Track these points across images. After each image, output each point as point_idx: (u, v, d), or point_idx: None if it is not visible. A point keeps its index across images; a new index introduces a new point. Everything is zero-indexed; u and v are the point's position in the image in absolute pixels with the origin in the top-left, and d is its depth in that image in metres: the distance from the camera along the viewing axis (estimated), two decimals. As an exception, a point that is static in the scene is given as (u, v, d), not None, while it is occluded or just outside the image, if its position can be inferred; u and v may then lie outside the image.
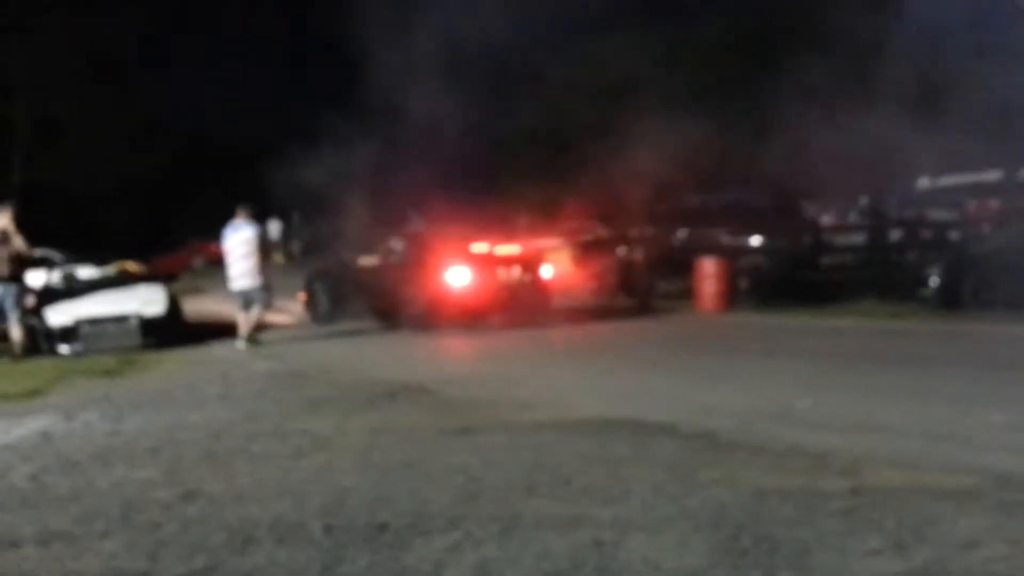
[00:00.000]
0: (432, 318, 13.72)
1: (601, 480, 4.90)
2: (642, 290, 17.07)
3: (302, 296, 16.67)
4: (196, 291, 23.40)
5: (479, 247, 14.74)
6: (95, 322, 13.14)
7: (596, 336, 12.95)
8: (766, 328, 13.11)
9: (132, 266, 23.20)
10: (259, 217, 13.90)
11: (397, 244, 15.46)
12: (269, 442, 6.22)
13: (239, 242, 13.08)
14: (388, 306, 14.63)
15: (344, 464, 5.49)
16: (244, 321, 13.00)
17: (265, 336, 13.56)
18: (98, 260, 19.77)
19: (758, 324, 13.65)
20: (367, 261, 15.86)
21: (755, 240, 17.17)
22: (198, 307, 18.16)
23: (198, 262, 34.81)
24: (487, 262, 14.41)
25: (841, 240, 17.63)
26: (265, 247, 13.84)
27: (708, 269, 15.54)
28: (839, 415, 6.47)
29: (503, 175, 31.52)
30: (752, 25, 25.95)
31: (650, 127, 19.90)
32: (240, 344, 12.79)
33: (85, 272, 17.26)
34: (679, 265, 16.46)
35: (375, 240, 16.30)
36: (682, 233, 18.77)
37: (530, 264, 14.74)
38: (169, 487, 5.15)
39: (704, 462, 5.19)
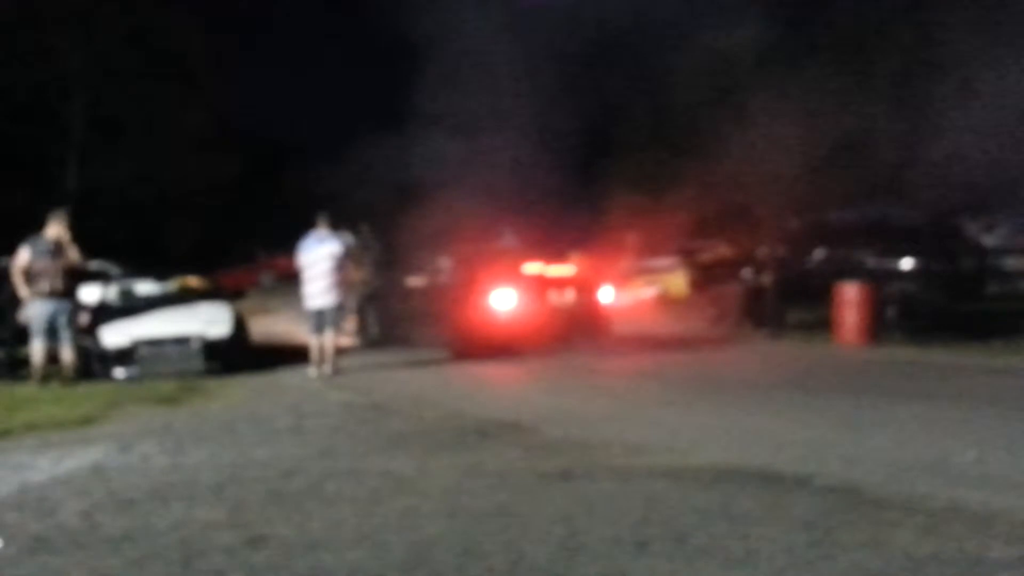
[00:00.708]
0: (470, 345, 14.01)
1: (723, 539, 4.84)
2: (771, 319, 16.87)
3: (351, 320, 16.94)
4: (264, 311, 23.87)
5: (531, 267, 14.93)
6: (154, 343, 13.50)
7: (716, 370, 12.81)
8: (918, 366, 12.80)
9: (195, 282, 23.72)
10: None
11: (444, 263, 15.72)
12: (345, 483, 6.30)
13: (321, 256, 13.28)
14: (433, 332, 14.92)
15: (429, 509, 5.53)
16: (317, 346, 13.19)
17: (343, 363, 13.76)
18: (158, 275, 20.26)
19: (909, 361, 13.33)
20: (415, 282, 16.16)
21: (906, 263, 16.85)
22: (266, 328, 18.55)
23: (267, 278, 35.56)
24: (536, 284, 14.62)
25: (1011, 264, 17.19)
26: (352, 262, 14.10)
27: (849, 295, 15.28)
28: (1007, 470, 6.28)
29: (611, 185, 31.54)
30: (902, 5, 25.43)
31: (782, 131, 19.69)
32: (312, 372, 12.99)
33: (144, 288, 17.69)
34: (815, 291, 16.25)
35: (425, 258, 16.59)
36: (819, 253, 18.53)
37: (586, 286, 14.90)
38: (233, 530, 5.25)
39: (846, 522, 5.08)
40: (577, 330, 14.50)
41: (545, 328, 14.28)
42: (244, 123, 38.46)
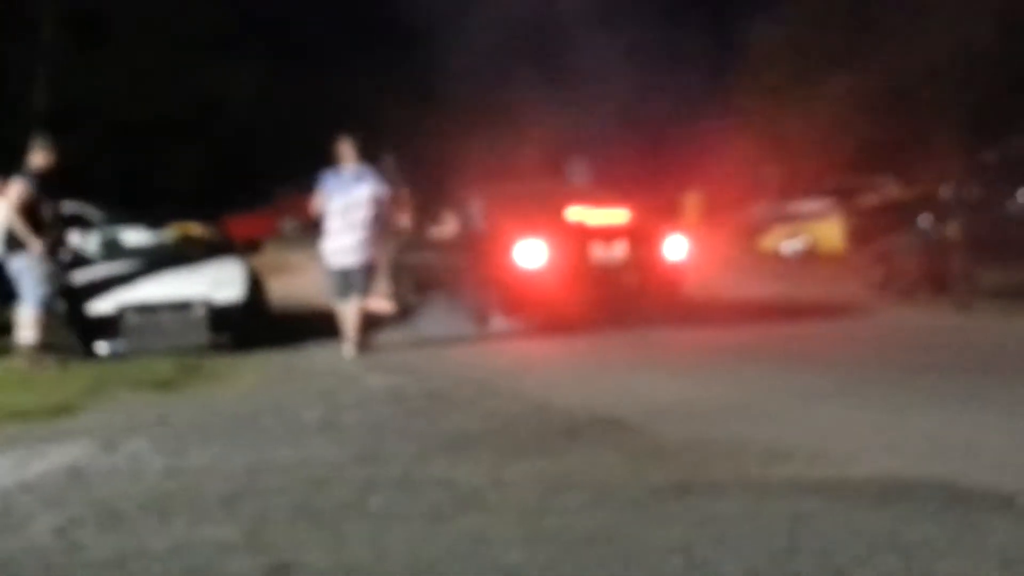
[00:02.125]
0: (491, 310, 14.32)
1: (896, 576, 4.80)
2: (959, 282, 16.62)
3: (385, 282, 17.01)
4: (287, 267, 24.06)
5: (574, 213, 14.84)
6: (146, 310, 13.66)
7: (881, 351, 12.67)
8: None
9: (198, 230, 23.97)
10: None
11: (475, 208, 15.73)
12: (394, 496, 6.34)
13: (359, 200, 13.22)
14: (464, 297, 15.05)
15: (504, 533, 5.54)
16: (352, 316, 13.21)
17: (380, 337, 13.81)
18: (151, 221, 20.49)
19: None
20: (442, 233, 16.21)
21: None
22: (290, 291, 18.68)
23: (290, 224, 35.65)
24: (575, 235, 14.58)
25: None
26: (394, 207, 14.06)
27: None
28: None
29: (742, 106, 31.34)
30: None
31: (963, 28, 19.36)
32: (349, 350, 13.06)
33: (133, 237, 17.90)
34: (1019, 245, 15.97)
35: (455, 204, 16.62)
36: (1024, 196, 18.18)
37: (644, 239, 14.77)
38: (251, 554, 5.31)
39: (1059, 556, 5.01)
40: (627, 295, 14.39)
41: (583, 291, 14.19)
42: (265, 19, 38.31)
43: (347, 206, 13.22)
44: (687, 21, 25.28)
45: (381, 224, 13.38)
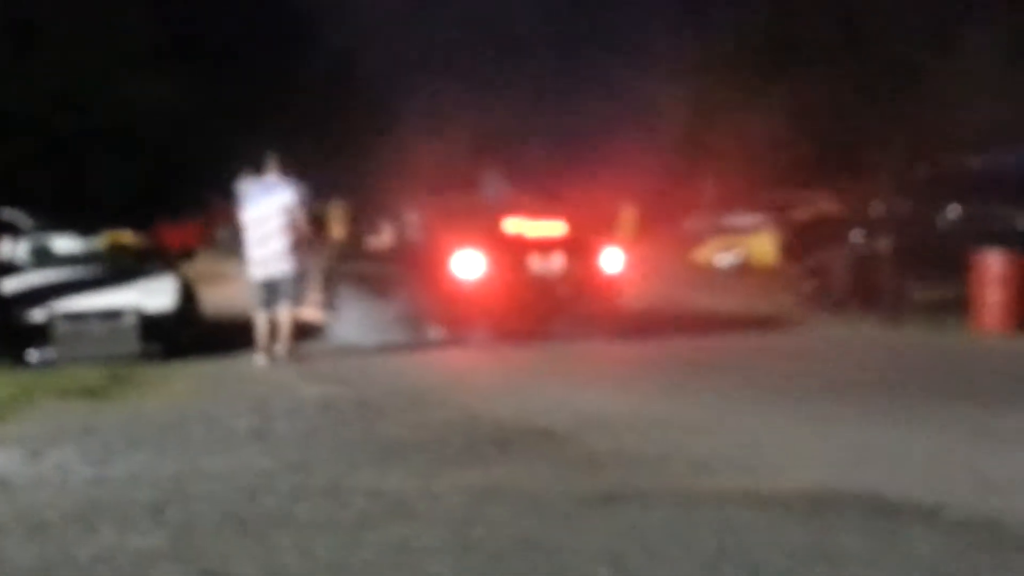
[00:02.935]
0: (427, 320, 14.41)
1: (820, 586, 4.84)
2: (888, 297, 16.79)
3: (315, 291, 16.98)
4: (220, 276, 23.93)
5: (512, 225, 14.94)
6: (76, 318, 13.56)
7: (812, 364, 12.76)
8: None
9: (129, 238, 23.82)
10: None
11: (413, 219, 15.81)
12: (324, 505, 6.33)
13: (272, 210, 13.27)
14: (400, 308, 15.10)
15: (432, 542, 5.54)
16: (266, 325, 13.22)
17: (308, 347, 13.78)
18: (82, 229, 20.36)
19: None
20: (379, 243, 16.25)
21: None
22: (223, 299, 18.58)
23: (223, 232, 35.43)
24: (512, 246, 14.63)
25: None
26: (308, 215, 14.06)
27: (993, 268, 15.18)
28: None
29: (677, 121, 31.51)
30: None
31: (908, 42, 19.57)
32: (260, 359, 13.06)
33: (63, 245, 17.78)
34: (947, 261, 16.14)
35: (392, 214, 16.69)
36: (953, 211, 18.36)
37: (581, 251, 14.88)
38: (178, 563, 5.28)
39: (983, 567, 5.08)
40: (565, 306, 14.46)
41: (519, 303, 14.26)
42: (196, 33, 38.24)
43: (261, 217, 13.30)
44: (623, 37, 25.43)
45: (297, 234, 13.35)
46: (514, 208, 15.78)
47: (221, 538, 5.72)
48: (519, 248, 14.79)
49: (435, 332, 14.49)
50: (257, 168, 13.44)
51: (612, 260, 15.09)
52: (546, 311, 14.49)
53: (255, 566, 5.23)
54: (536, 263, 14.65)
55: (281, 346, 13.16)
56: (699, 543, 5.45)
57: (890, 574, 5.00)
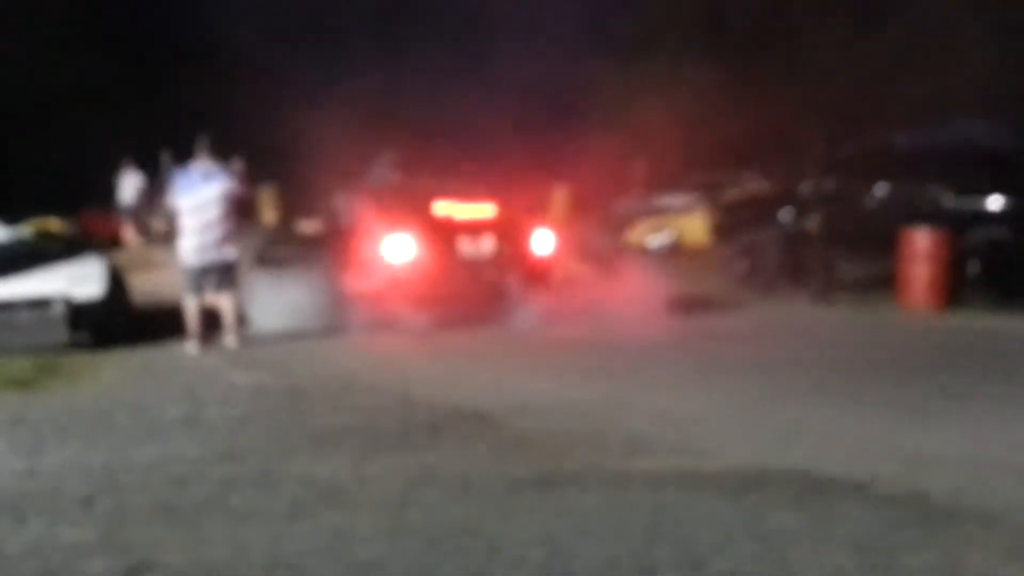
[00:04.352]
0: (359, 308, 14.23)
1: (753, 563, 4.88)
2: (817, 276, 16.92)
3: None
4: (150, 264, 23.71)
5: (440, 208, 14.96)
6: (2, 308, 13.39)
7: (742, 344, 12.86)
8: (1009, 339, 12.89)
9: (56, 225, 23.60)
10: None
11: (342, 202, 15.80)
12: (255, 493, 6.31)
13: (210, 198, 13.19)
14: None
15: (366, 528, 5.55)
16: (196, 312, 13.17)
17: (247, 333, 13.75)
18: (8, 216, 20.16)
19: (996, 331, 13.43)
20: (309, 227, 16.20)
21: (994, 202, 16.88)
22: (153, 287, 18.42)
23: (154, 221, 35.13)
24: (442, 229, 14.65)
25: None
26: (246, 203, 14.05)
27: (920, 246, 15.34)
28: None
29: (607, 100, 31.55)
30: None
31: (835, 23, 19.70)
32: (191, 347, 13.02)
33: (-13, 233, 17.58)
34: (875, 239, 16.27)
35: (323, 198, 16.67)
36: (881, 190, 18.51)
37: (512, 233, 14.90)
38: (109, 555, 5.25)
39: (911, 540, 5.15)
40: (494, 290, 14.48)
41: (449, 287, 14.26)
42: (120, 17, 37.85)
43: (197, 205, 13.23)
44: (549, 11, 25.29)
45: (234, 221, 13.32)
46: (447, 191, 15.69)
47: (152, 529, 5.68)
48: (449, 231, 14.76)
49: (366, 317, 14.43)
50: (180, 155, 13.39)
51: (543, 242, 15.09)
52: (477, 294, 14.49)
53: (186, 556, 5.21)
54: (466, 246, 14.63)
55: (232, 337, 13.16)
56: (633, 524, 5.49)
57: (818, 549, 5.05)
